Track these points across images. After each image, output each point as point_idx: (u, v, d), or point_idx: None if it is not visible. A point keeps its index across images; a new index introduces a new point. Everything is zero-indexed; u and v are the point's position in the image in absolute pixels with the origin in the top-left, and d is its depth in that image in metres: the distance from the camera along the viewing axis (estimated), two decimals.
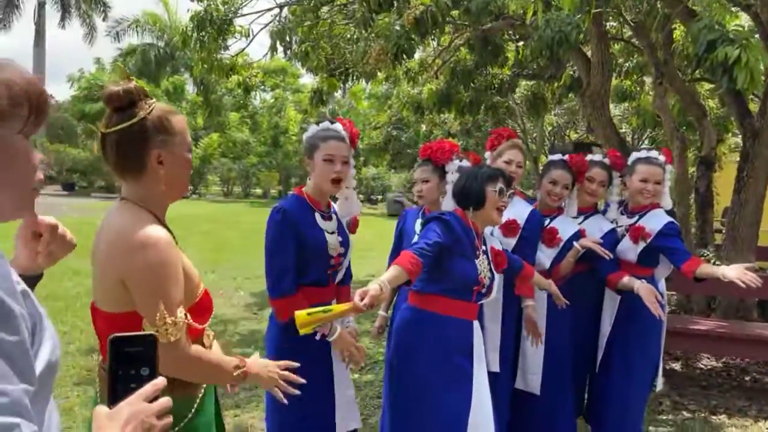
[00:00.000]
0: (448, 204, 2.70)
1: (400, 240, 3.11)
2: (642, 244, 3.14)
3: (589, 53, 6.20)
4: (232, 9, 6.31)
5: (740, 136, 6.00)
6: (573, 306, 3.09)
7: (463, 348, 2.44)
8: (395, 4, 4.32)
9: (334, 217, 2.43)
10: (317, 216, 2.36)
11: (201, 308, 1.51)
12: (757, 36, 4.91)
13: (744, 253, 5.14)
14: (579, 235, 3.11)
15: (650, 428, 3.70)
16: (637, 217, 3.22)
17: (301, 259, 2.30)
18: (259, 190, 30.34)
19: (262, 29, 6.63)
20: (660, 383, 3.34)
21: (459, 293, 2.43)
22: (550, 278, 3.04)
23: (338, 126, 2.40)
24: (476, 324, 2.51)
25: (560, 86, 7.34)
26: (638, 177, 3.19)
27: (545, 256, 3.10)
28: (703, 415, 3.99)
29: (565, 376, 3.13)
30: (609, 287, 3.17)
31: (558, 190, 3.12)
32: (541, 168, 11.50)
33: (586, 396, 3.45)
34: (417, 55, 8.98)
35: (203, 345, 1.51)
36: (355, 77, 6.64)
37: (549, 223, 3.14)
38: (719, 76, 3.70)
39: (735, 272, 2.75)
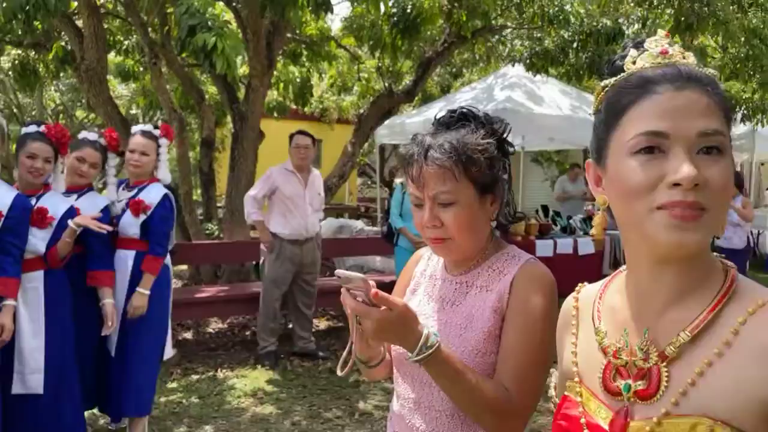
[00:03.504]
0: None
1: None
2: (143, 217, 3.18)
3: (81, 26, 5.82)
4: None
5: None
6: (74, 292, 2.94)
7: None
8: None
9: None
10: None
11: None
12: (238, 30, 5.52)
13: (240, 223, 5.77)
14: (74, 212, 2.92)
15: (161, 399, 3.82)
16: (136, 191, 3.24)
17: None
18: None
19: None
20: (169, 353, 3.47)
21: None
22: (47, 261, 2.82)
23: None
24: None
25: (53, 58, 6.67)
26: (128, 148, 3.23)
27: (38, 239, 2.81)
28: (210, 373, 4.35)
29: (70, 368, 2.92)
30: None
31: (39, 164, 2.84)
32: None
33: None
34: None
35: None
36: None
37: (36, 202, 2.84)
38: (201, 60, 4.01)
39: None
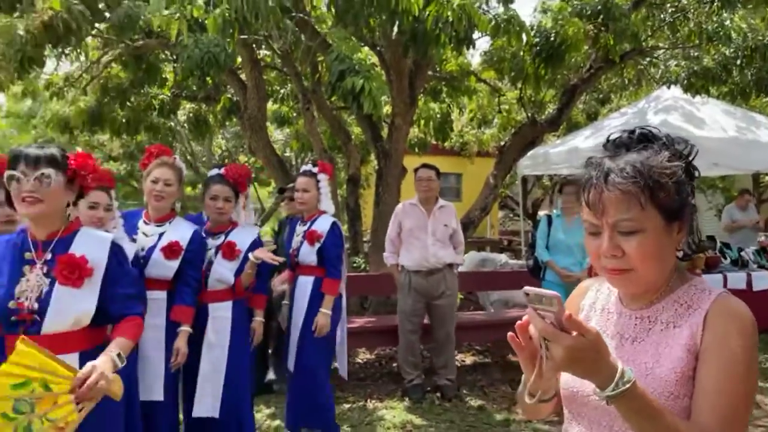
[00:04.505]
0: None
1: None
2: (317, 245, 3.54)
3: (244, 78, 6.44)
4: None
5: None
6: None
7: None
8: (18, 7, 3.80)
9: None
10: None
11: None
12: (382, 71, 5.80)
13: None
14: (257, 245, 3.22)
15: None
16: (309, 224, 3.62)
17: None
18: None
19: None
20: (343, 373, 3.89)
21: (3, 324, 1.88)
22: (234, 291, 3.13)
23: None
24: None
25: (221, 109, 7.44)
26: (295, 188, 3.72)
27: (227, 269, 3.12)
28: (361, 403, 4.46)
29: (246, 391, 3.23)
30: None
31: (220, 204, 3.17)
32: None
33: None
34: (62, 70, 8.08)
35: None
36: None
37: (225, 238, 3.17)
38: (350, 102, 4.24)
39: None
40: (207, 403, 3.03)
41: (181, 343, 2.93)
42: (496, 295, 6.54)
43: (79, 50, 6.55)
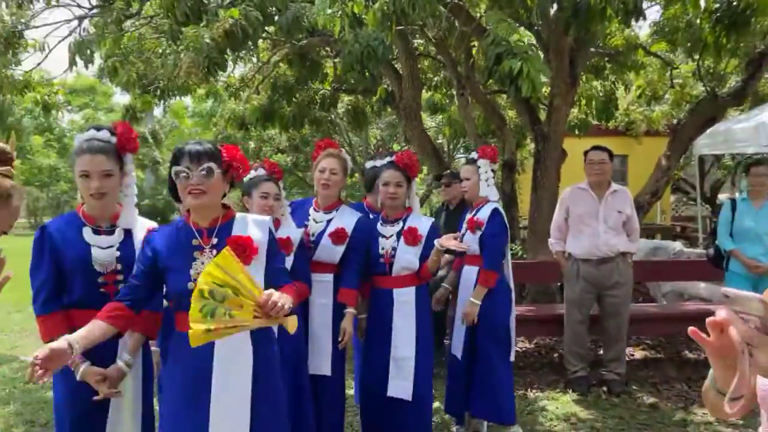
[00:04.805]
0: None
1: None
2: (478, 233, 3.49)
3: (400, 68, 6.58)
4: (22, 21, 5.73)
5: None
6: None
7: (202, 364, 2.04)
8: (204, 17, 4.22)
9: (116, 232, 2.25)
10: (85, 230, 2.20)
11: None
12: (540, 52, 5.58)
13: (543, 243, 5.74)
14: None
15: None
16: (475, 211, 3.58)
17: (63, 276, 2.16)
18: None
19: (59, 43, 6.09)
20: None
21: (183, 305, 2.00)
22: (420, 277, 3.18)
23: (102, 134, 2.21)
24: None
25: (377, 100, 7.68)
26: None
27: (412, 255, 3.17)
28: (521, 392, 4.39)
29: (430, 375, 3.27)
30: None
31: (392, 189, 3.19)
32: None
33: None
34: (237, 72, 8.87)
35: None
36: (170, 93, 6.36)
37: (404, 225, 3.21)
38: (507, 86, 4.14)
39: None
40: (401, 385, 3.09)
41: (347, 324, 3.09)
42: (669, 286, 6.04)
43: (252, 52, 7.15)
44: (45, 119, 23.72)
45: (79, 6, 5.82)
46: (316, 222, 3.20)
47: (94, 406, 2.10)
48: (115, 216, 2.27)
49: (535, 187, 6.14)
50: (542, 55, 5.53)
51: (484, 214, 3.51)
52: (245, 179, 2.98)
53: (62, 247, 2.16)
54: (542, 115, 6.53)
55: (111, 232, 2.23)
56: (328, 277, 3.15)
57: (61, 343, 1.80)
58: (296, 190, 17.27)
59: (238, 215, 2.18)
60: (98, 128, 2.23)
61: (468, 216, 3.63)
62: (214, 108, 17.72)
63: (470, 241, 3.48)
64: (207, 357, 2.02)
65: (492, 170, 3.60)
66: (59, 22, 5.96)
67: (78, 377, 2.07)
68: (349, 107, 8.78)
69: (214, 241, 2.08)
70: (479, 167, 3.59)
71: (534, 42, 6.14)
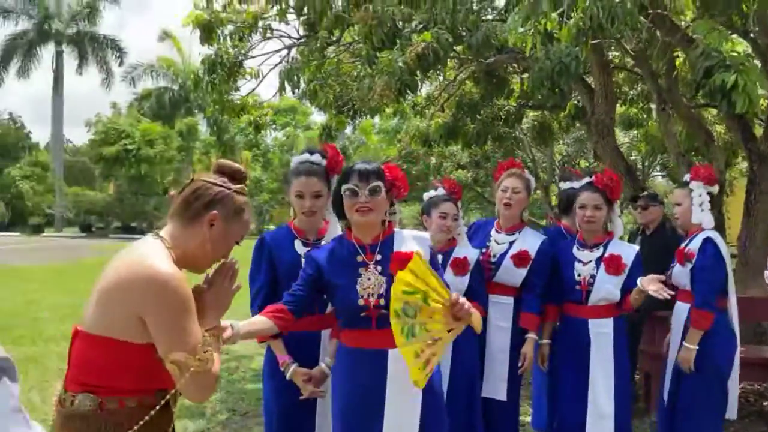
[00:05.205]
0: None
1: None
2: (688, 266, 3.12)
3: (591, 82, 6.30)
4: (242, 52, 6.51)
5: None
6: None
7: (374, 381, 2.11)
8: (398, 42, 4.45)
9: (323, 245, 2.41)
10: (297, 242, 2.46)
11: None
12: (756, 62, 4.97)
13: (755, 276, 5.09)
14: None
15: None
16: (688, 240, 3.22)
17: (278, 283, 2.40)
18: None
19: (271, 70, 6.82)
20: (732, 414, 3.22)
21: (352, 322, 2.16)
22: (622, 308, 3.03)
23: (315, 157, 2.44)
24: (392, 353, 2.06)
25: (566, 116, 7.42)
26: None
27: (613, 285, 3.01)
28: None
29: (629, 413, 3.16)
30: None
31: (589, 212, 3.05)
32: (551, 197, 11.35)
33: None
34: (423, 90, 9.16)
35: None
36: (362, 113, 6.78)
37: (605, 251, 3.06)
38: (718, 101, 3.75)
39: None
40: (602, 425, 2.97)
41: (527, 349, 3.02)
42: None
43: (439, 72, 7.35)
44: (254, 137, 26.67)
45: (289, 36, 6.46)
46: (498, 243, 3.19)
47: (300, 403, 2.32)
48: (322, 231, 2.50)
49: (748, 211, 5.46)
50: (759, 65, 4.93)
51: (695, 244, 3.11)
52: (425, 198, 3.08)
53: (277, 255, 2.44)
54: (758, 131, 5.80)
55: (317, 245, 2.45)
56: (509, 300, 3.11)
57: (225, 323, 1.90)
58: (474, 206, 17.29)
59: (397, 231, 2.25)
60: (311, 152, 2.49)
61: (681, 246, 3.25)
62: (399, 125, 18.50)
63: (681, 276, 3.15)
64: (380, 375, 2.10)
65: (709, 193, 3.18)
66: (271, 52, 6.69)
67: (287, 376, 2.30)
68: (535, 123, 8.60)
69: (378, 257, 2.16)
70: (692, 190, 3.18)
71: (750, 51, 5.49)
